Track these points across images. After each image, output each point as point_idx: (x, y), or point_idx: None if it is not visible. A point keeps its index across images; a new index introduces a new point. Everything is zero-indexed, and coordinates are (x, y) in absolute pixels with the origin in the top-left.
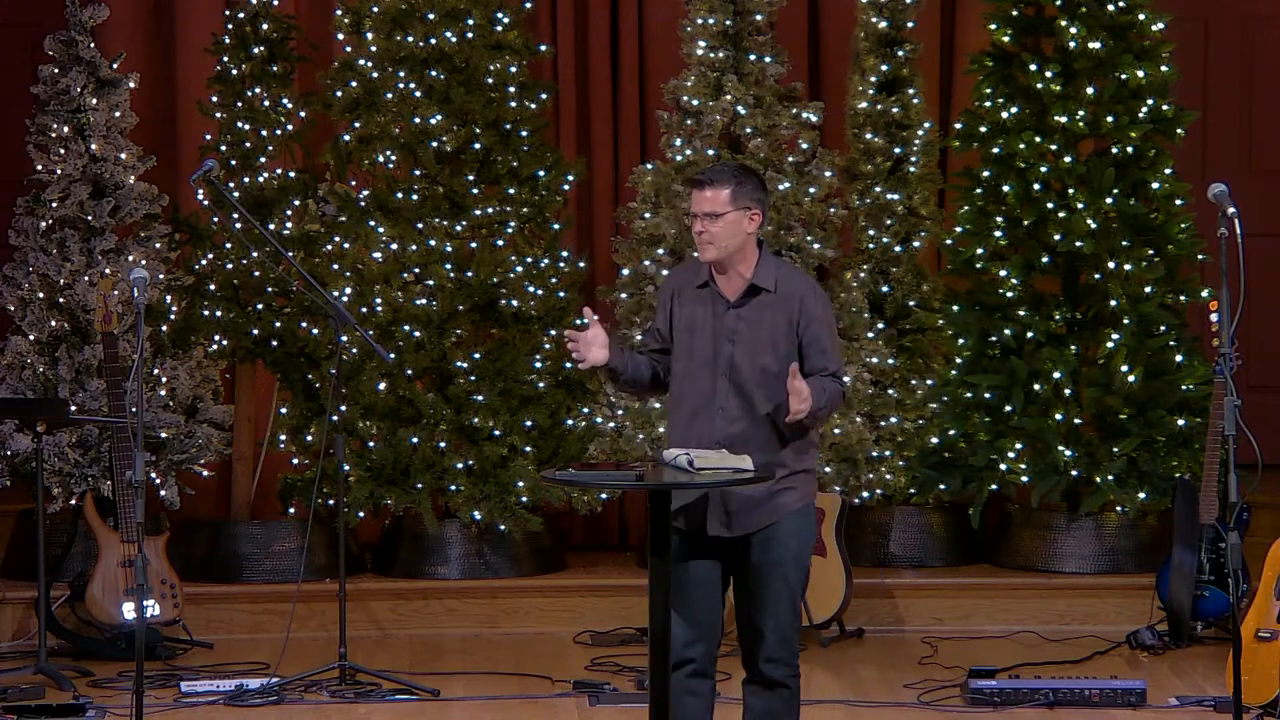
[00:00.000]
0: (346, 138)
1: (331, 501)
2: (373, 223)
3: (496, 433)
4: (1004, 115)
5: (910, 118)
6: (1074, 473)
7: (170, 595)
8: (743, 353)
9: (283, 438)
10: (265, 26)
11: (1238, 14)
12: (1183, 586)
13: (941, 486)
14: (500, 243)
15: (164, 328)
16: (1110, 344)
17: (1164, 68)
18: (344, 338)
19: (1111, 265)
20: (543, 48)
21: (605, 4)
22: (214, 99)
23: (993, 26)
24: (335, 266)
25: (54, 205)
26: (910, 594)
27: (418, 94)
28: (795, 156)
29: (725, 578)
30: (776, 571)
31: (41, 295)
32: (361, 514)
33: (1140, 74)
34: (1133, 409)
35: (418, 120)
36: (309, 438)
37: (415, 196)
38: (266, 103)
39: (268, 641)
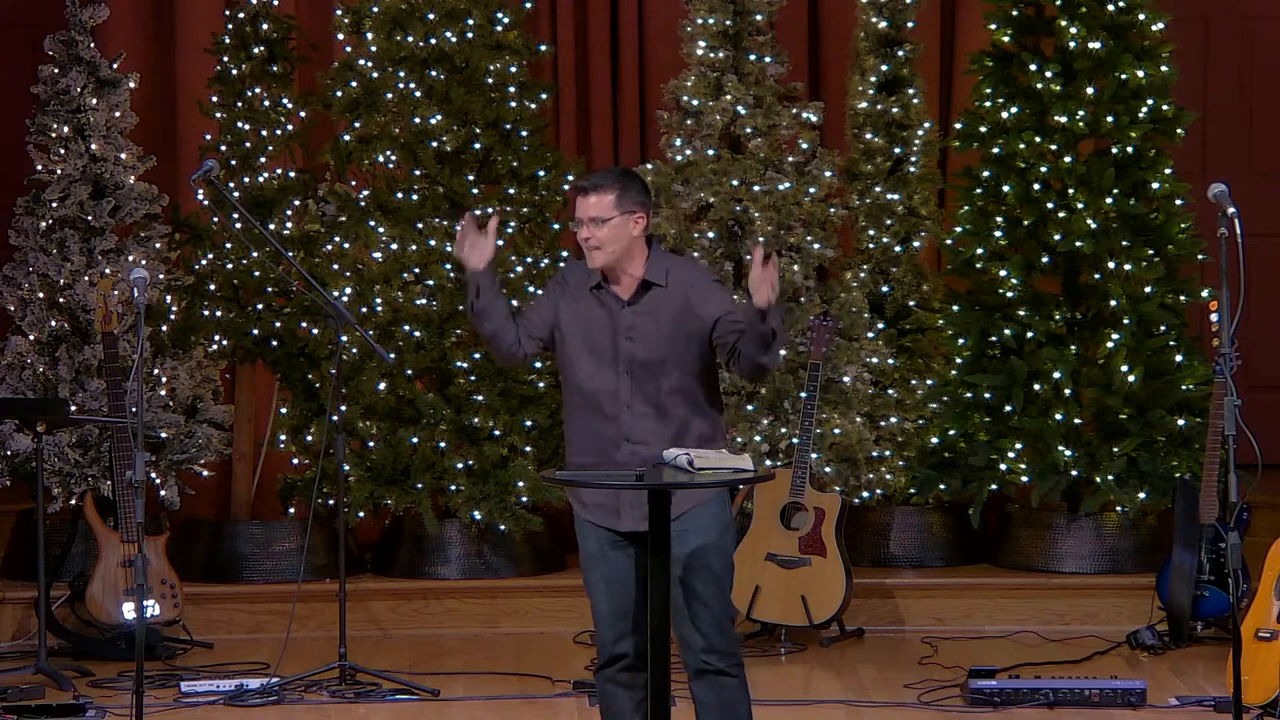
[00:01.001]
0: (346, 138)
1: (331, 501)
2: (373, 223)
3: (496, 433)
4: (1004, 115)
5: (910, 118)
6: (1074, 473)
7: (170, 595)
8: (642, 348)
9: (283, 438)
10: (265, 26)
11: (1238, 14)
12: (1183, 586)
13: (941, 486)
14: (500, 243)
15: (164, 328)
16: (1110, 344)
17: (1164, 68)
18: (344, 338)
19: (1111, 265)
20: (543, 48)
21: (605, 4)
22: (214, 99)
23: (993, 26)
24: (335, 266)
25: (54, 205)
26: (910, 594)
27: (418, 94)
28: (795, 156)
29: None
30: (699, 562)
31: (41, 295)
32: (361, 514)
33: (1140, 74)
34: (1133, 409)
35: (418, 120)
36: (309, 438)
37: (415, 196)
38: (266, 103)
39: (268, 641)
